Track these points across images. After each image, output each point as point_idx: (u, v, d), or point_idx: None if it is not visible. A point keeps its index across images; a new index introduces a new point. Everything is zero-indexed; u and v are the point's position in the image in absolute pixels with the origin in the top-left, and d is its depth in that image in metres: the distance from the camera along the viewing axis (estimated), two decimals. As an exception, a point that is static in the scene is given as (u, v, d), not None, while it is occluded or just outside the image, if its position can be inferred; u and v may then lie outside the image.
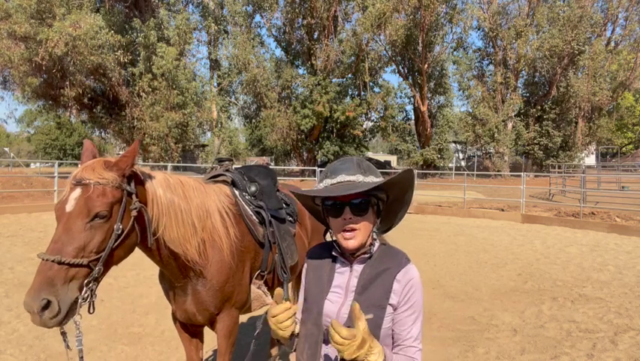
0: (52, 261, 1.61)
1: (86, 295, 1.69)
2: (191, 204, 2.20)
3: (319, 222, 1.69)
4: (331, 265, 1.54)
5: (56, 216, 1.74)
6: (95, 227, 1.71)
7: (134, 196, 1.87)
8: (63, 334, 1.70)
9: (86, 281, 1.69)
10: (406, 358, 1.41)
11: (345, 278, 1.49)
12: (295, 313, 1.41)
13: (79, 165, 1.87)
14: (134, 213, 1.85)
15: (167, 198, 2.07)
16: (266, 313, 1.45)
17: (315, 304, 1.48)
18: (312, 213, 1.71)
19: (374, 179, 1.47)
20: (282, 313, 1.37)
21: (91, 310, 1.76)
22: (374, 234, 1.51)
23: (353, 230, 1.43)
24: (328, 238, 1.61)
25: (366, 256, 1.49)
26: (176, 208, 2.11)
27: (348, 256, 1.50)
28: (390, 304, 1.43)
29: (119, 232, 1.78)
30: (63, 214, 1.72)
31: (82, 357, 1.75)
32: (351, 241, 1.43)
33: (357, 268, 1.49)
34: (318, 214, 1.63)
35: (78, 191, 1.74)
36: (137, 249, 2.05)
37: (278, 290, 1.41)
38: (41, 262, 1.64)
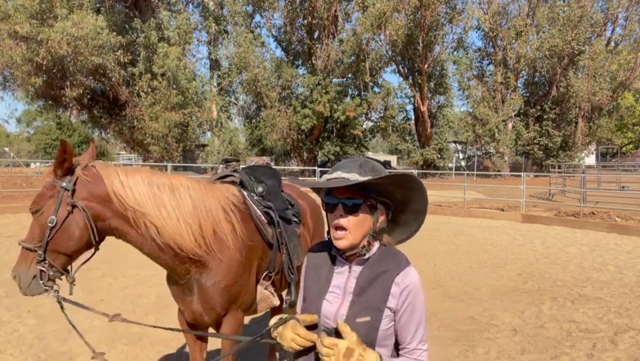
0: (21, 246, 2.07)
1: (35, 273, 2.03)
2: (182, 201, 2.23)
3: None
4: (330, 264, 1.54)
5: None
6: (36, 220, 2.08)
7: (70, 193, 2.08)
8: (56, 295, 2.08)
9: (36, 261, 2.05)
10: None
11: (344, 278, 1.49)
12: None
13: None
14: (68, 208, 2.07)
15: (142, 193, 2.15)
16: (282, 319, 1.47)
17: (314, 305, 1.49)
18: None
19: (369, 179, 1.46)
20: (304, 341, 1.39)
21: (70, 293, 2.10)
22: (370, 237, 1.48)
23: (343, 229, 1.43)
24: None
25: (364, 258, 1.48)
26: (158, 203, 2.17)
27: (347, 256, 1.50)
28: (388, 307, 1.42)
29: (53, 224, 2.04)
30: None
31: (63, 299, 2.09)
32: (340, 241, 1.44)
33: (356, 268, 1.49)
34: None
35: None
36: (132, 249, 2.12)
37: (313, 317, 1.47)
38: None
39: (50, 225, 2.02)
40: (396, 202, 1.53)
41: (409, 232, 1.62)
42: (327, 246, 1.59)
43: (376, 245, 1.50)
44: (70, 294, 2.09)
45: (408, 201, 1.53)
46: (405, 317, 1.43)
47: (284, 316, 1.49)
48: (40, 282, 2.04)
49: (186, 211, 2.22)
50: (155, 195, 2.17)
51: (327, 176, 1.49)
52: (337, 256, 1.53)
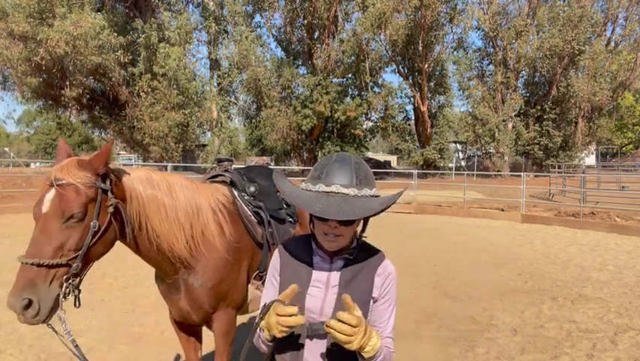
0: (32, 264, 1.67)
1: (67, 290, 1.76)
2: (177, 201, 2.22)
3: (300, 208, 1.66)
4: (309, 258, 1.51)
5: (34, 217, 1.77)
6: (70, 227, 1.75)
7: (109, 193, 1.90)
8: (51, 326, 1.77)
9: (65, 278, 1.74)
10: (385, 348, 1.42)
11: (326, 272, 1.48)
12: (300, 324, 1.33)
13: (54, 166, 1.88)
14: (110, 209, 1.88)
15: (147, 193, 2.11)
16: (265, 306, 1.42)
17: (297, 300, 1.42)
18: None
19: (368, 192, 1.41)
20: (290, 320, 1.29)
21: (77, 305, 1.84)
22: (357, 237, 1.51)
23: (337, 235, 1.41)
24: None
25: (349, 257, 1.48)
26: (158, 204, 2.13)
27: (329, 251, 1.49)
28: (372, 298, 1.46)
29: (96, 228, 1.82)
30: (39, 216, 1.75)
31: (76, 346, 1.81)
32: (332, 243, 1.42)
33: (338, 262, 1.49)
34: None
35: (53, 192, 1.76)
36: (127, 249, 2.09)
37: (294, 286, 1.35)
38: (21, 265, 1.68)
39: (94, 229, 1.82)
40: None
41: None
42: (302, 240, 1.57)
43: (355, 243, 1.52)
44: (77, 306, 1.86)
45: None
46: (382, 305, 1.47)
47: (266, 303, 1.44)
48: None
49: (181, 211, 2.22)
50: (156, 195, 2.15)
51: (322, 186, 1.41)
52: (318, 249, 1.51)
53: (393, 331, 1.51)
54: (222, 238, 2.38)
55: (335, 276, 1.47)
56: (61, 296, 1.73)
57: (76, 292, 1.82)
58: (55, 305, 1.74)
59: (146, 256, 2.23)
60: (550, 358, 4.14)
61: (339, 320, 1.26)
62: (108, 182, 1.91)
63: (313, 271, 1.49)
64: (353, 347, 1.27)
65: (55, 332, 1.77)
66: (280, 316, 1.30)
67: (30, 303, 1.66)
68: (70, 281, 1.76)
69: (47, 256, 1.69)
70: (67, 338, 1.78)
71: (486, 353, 4.24)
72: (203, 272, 2.32)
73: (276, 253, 1.59)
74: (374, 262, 1.49)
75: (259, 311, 1.43)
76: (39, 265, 1.68)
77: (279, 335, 1.33)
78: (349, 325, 1.25)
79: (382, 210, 1.42)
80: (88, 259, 1.85)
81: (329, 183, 1.41)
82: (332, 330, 1.27)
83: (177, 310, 2.41)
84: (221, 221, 2.40)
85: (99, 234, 1.84)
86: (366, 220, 1.56)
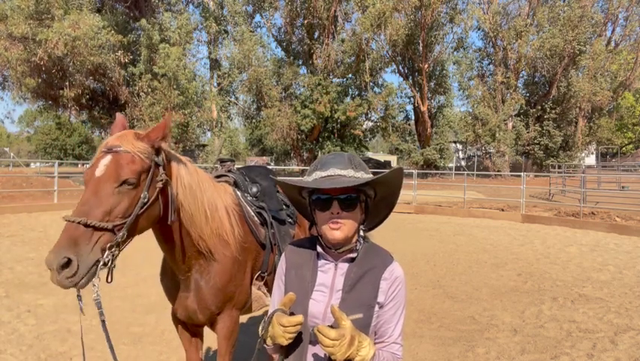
0: (79, 223, 1.64)
1: (107, 259, 1.72)
2: (204, 195, 2.24)
3: (303, 216, 1.67)
4: (314, 262, 1.50)
5: (85, 180, 1.78)
6: (122, 193, 1.75)
7: (161, 169, 1.92)
8: (79, 297, 1.73)
9: (108, 245, 1.71)
10: (390, 354, 1.41)
11: (330, 276, 1.46)
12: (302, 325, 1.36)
13: (109, 136, 1.92)
14: (159, 185, 1.90)
15: (187, 181, 2.13)
16: (267, 313, 1.42)
17: (300, 305, 1.42)
18: (295, 206, 1.69)
19: (364, 175, 1.45)
20: (293, 327, 1.31)
21: (109, 280, 1.79)
22: (361, 231, 1.48)
23: (339, 223, 1.41)
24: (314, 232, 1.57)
25: (353, 255, 1.46)
26: (194, 193, 2.15)
27: (334, 253, 1.47)
28: (377, 303, 1.42)
29: (145, 200, 1.82)
30: (91, 179, 1.76)
31: (103, 320, 1.77)
32: (337, 232, 1.40)
33: (342, 266, 1.46)
34: (304, 208, 1.60)
35: (108, 157, 1.79)
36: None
37: (290, 295, 1.36)
38: (67, 223, 1.66)
39: (144, 200, 1.81)
40: (378, 195, 1.53)
41: (378, 220, 1.62)
42: (307, 244, 1.56)
43: (360, 241, 1.49)
44: (110, 281, 1.82)
45: (389, 194, 1.54)
46: (390, 311, 1.44)
47: (267, 316, 1.45)
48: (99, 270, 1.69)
49: (207, 205, 2.24)
50: (193, 184, 2.16)
51: (319, 173, 1.46)
52: (322, 253, 1.50)
53: (402, 337, 1.47)
54: (233, 238, 2.40)
55: (340, 280, 1.45)
56: (100, 263, 1.69)
57: (114, 265, 1.77)
58: (93, 272, 1.69)
59: (173, 246, 2.19)
60: (550, 358, 4.14)
61: (318, 331, 1.27)
62: (161, 157, 1.93)
63: (318, 275, 1.47)
64: (337, 358, 1.26)
65: (80, 302, 1.73)
66: (286, 327, 1.31)
67: (69, 262, 1.62)
68: (112, 250, 1.72)
69: (96, 218, 1.67)
70: (97, 307, 1.74)
71: (486, 353, 4.24)
72: (215, 272, 2.33)
73: (282, 257, 1.59)
74: (380, 265, 1.46)
75: (262, 322, 1.43)
76: (86, 225, 1.65)
77: (285, 343, 1.34)
78: (327, 337, 1.25)
79: (380, 180, 1.43)
80: (133, 231, 1.84)
81: (325, 169, 1.45)
82: (318, 339, 1.28)
83: (183, 309, 2.41)
84: (232, 222, 2.42)
85: (147, 206, 1.83)
86: (370, 217, 1.56)
